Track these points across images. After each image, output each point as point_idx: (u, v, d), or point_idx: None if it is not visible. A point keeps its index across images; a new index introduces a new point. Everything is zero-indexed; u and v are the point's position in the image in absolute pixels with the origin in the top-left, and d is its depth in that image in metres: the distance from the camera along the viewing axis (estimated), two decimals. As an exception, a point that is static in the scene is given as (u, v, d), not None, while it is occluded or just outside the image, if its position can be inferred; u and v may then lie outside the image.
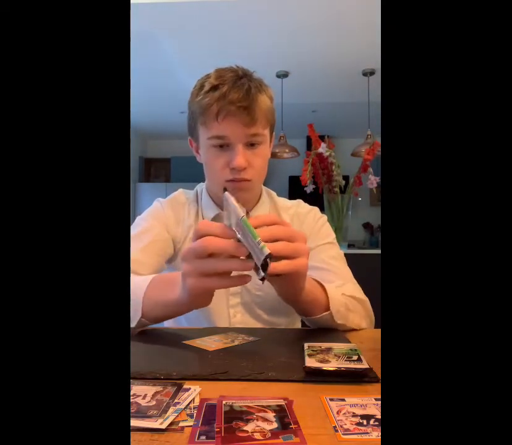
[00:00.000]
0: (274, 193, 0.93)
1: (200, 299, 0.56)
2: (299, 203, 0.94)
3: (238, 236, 0.48)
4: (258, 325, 0.84)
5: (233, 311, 0.83)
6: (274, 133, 0.84)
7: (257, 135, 0.75)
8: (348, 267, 0.87)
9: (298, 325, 0.94)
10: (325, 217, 0.93)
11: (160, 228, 0.84)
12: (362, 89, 3.68)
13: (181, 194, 0.91)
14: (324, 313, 0.66)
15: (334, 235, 0.91)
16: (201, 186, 0.91)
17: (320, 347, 0.53)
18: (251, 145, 0.76)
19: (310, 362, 0.47)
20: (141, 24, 2.70)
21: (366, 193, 4.50)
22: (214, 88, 0.72)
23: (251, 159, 0.76)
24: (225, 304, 0.83)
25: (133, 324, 0.63)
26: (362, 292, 0.79)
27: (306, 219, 0.89)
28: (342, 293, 0.70)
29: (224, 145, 0.75)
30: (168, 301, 0.60)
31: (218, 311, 0.83)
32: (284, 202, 0.93)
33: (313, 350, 0.51)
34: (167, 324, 0.90)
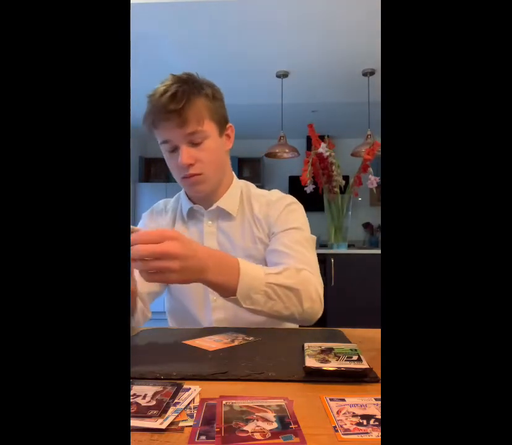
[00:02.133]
0: (253, 185, 0.98)
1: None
2: (273, 192, 0.96)
3: None
4: (238, 309, 0.84)
5: (213, 296, 0.86)
6: (228, 124, 0.88)
7: (195, 132, 0.80)
8: (313, 253, 0.87)
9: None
10: (298, 205, 0.93)
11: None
12: (362, 89, 3.68)
13: (160, 203, 1.00)
14: (231, 297, 0.69)
15: (303, 222, 0.90)
16: None
17: (320, 347, 0.53)
18: (195, 143, 0.81)
19: (310, 362, 0.47)
20: (141, 24, 2.70)
21: (366, 193, 4.50)
22: (151, 97, 0.80)
23: (197, 155, 0.81)
24: (206, 289, 0.85)
25: None
26: (309, 280, 0.77)
27: (275, 205, 0.91)
28: (268, 281, 0.71)
29: (173, 148, 0.82)
30: None
31: (199, 296, 0.87)
32: (259, 192, 0.96)
33: (313, 350, 0.51)
34: (175, 313, 0.94)
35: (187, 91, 0.79)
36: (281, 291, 0.72)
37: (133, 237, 0.57)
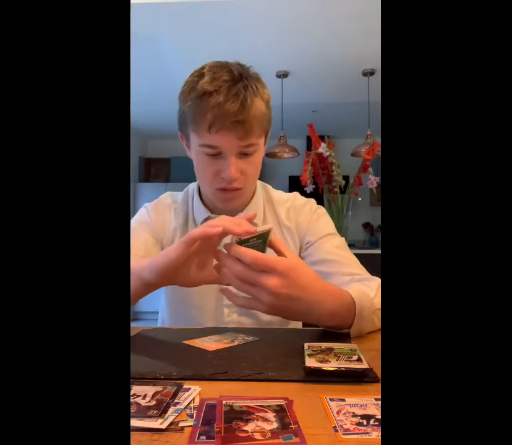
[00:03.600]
0: (270, 187, 0.92)
1: (171, 267, 0.57)
2: (295, 196, 0.92)
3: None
4: (254, 325, 0.83)
5: (228, 310, 0.83)
6: (269, 133, 0.82)
7: (251, 145, 0.73)
8: (353, 254, 0.85)
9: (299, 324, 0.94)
10: (323, 208, 0.91)
11: (143, 231, 0.84)
12: (362, 89, 3.67)
13: (167, 197, 0.90)
14: (344, 330, 0.64)
15: (333, 226, 0.88)
16: (193, 186, 0.90)
17: (320, 347, 0.53)
18: (244, 155, 0.74)
19: (310, 362, 0.47)
20: (141, 24, 2.70)
21: (366, 193, 4.50)
22: (208, 94, 0.68)
23: (244, 167, 0.74)
24: (220, 302, 0.82)
25: None
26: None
27: (302, 211, 0.88)
28: (376, 308, 0.65)
29: (217, 153, 0.72)
30: (141, 271, 0.60)
31: (212, 310, 0.83)
32: (280, 196, 0.91)
33: (313, 350, 0.51)
34: (168, 324, 0.91)
35: (251, 93, 0.70)
36: (379, 313, 0.65)
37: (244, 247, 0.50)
